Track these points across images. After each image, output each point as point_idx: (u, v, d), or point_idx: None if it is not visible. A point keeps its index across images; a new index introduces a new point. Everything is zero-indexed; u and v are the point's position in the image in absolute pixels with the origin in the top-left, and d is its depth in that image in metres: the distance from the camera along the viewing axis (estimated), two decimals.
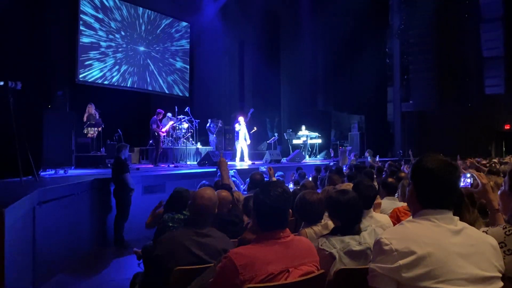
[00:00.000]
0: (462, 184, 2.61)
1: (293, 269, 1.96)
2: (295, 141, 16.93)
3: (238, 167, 10.68)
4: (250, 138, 13.23)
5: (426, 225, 1.63)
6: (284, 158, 14.70)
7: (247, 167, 11.25)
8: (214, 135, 14.47)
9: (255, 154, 15.80)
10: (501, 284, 1.62)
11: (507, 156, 15.37)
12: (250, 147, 16.15)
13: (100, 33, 13.34)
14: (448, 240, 1.58)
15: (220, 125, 14.61)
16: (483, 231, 1.91)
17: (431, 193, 1.67)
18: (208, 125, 14.39)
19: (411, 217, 1.77)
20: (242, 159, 12.87)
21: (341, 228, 2.51)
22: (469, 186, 2.59)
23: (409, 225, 1.66)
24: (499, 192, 2.22)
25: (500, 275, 1.62)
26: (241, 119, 12.77)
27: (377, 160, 13.83)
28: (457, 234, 1.61)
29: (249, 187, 5.26)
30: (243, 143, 12.80)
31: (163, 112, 11.54)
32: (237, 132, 12.72)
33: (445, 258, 1.53)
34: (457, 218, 1.68)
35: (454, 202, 1.71)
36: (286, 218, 2.05)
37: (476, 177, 2.57)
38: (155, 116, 11.03)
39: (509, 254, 1.81)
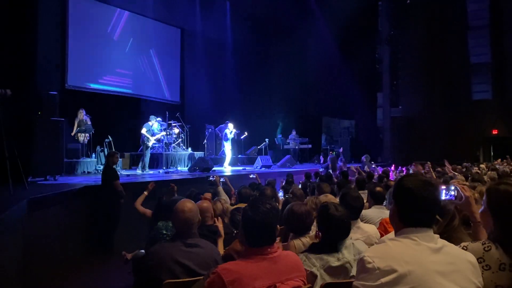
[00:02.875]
0: (445, 197, 2.67)
1: (280, 284, 2.00)
2: (285, 146, 17.01)
3: (228, 173, 10.73)
4: (241, 143, 13.37)
5: (407, 243, 1.69)
6: (275, 164, 14.76)
7: (230, 173, 11.30)
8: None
9: (245, 159, 15.86)
10: None
11: (496, 160, 15.57)
12: (241, 152, 16.23)
13: (91, 38, 13.31)
14: (428, 258, 1.64)
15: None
16: (463, 246, 1.97)
17: (412, 212, 1.72)
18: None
19: (393, 234, 1.82)
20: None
21: (321, 246, 2.54)
22: (453, 199, 2.65)
23: (391, 243, 1.72)
24: (479, 210, 2.27)
25: None
26: (230, 125, 12.85)
27: (373, 165, 13.91)
28: (437, 252, 1.67)
29: (238, 200, 5.29)
30: (229, 148, 12.91)
31: (155, 118, 11.52)
32: (227, 137, 12.80)
33: (425, 276, 1.59)
34: (437, 236, 1.74)
35: (434, 220, 1.77)
36: (274, 234, 2.10)
37: (459, 189, 2.63)
38: (148, 122, 11.07)
39: (487, 269, 1.86)
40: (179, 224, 2.81)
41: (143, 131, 10.89)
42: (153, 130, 11.22)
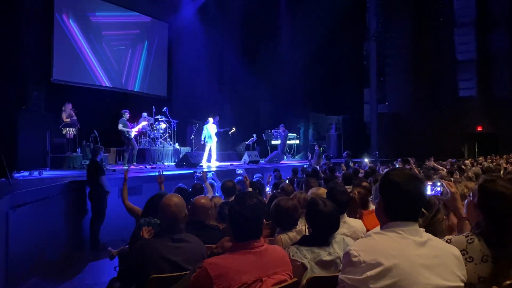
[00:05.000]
0: (432, 192, 2.71)
1: (266, 278, 2.01)
2: (273, 142, 17.02)
3: (213, 169, 10.70)
4: (229, 138, 13.31)
5: (392, 237, 1.70)
6: (262, 159, 14.77)
7: (214, 169, 11.28)
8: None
9: (233, 154, 15.84)
10: None
11: (480, 157, 15.79)
12: (229, 147, 16.21)
13: (77, 31, 13.15)
14: (413, 252, 1.66)
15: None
16: (447, 239, 2.00)
17: (397, 206, 1.74)
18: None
19: (379, 228, 1.84)
20: (209, 160, 12.88)
21: (311, 238, 2.56)
22: (439, 195, 2.69)
23: (376, 237, 1.73)
24: (466, 201, 2.31)
25: (462, 284, 1.70)
26: (210, 120, 12.81)
27: (365, 161, 14.02)
28: (422, 246, 1.69)
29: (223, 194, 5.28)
30: (213, 144, 12.86)
31: (128, 111, 11.42)
32: (209, 132, 12.74)
33: (410, 270, 1.60)
34: (422, 230, 1.75)
35: (420, 214, 1.79)
36: (260, 228, 2.10)
37: (445, 185, 2.67)
38: (122, 118, 11.00)
39: (470, 261, 1.90)
40: (165, 219, 2.80)
41: (120, 127, 10.82)
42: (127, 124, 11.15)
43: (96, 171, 6.92)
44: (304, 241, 2.55)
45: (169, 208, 2.76)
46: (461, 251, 1.83)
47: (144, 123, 12.21)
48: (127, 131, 10.82)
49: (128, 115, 11.27)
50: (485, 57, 21.92)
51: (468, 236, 1.98)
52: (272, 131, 16.99)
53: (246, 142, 16.43)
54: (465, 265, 1.81)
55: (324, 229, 2.54)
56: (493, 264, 1.89)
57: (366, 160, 15.09)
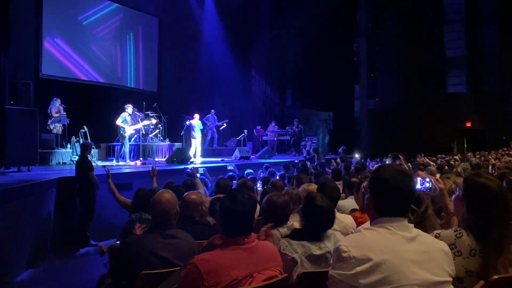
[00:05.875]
0: (420, 187, 2.74)
1: (257, 274, 2.01)
2: (264, 138, 17.02)
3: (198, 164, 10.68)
4: (220, 134, 13.26)
5: (382, 232, 1.71)
6: (253, 155, 14.77)
7: (200, 164, 11.25)
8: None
9: (224, 150, 15.81)
10: None
11: (468, 153, 15.96)
12: (220, 143, 16.18)
13: (66, 25, 13.00)
14: (402, 247, 1.67)
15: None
16: (436, 234, 2.03)
17: (387, 201, 1.75)
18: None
19: (368, 224, 1.85)
20: (194, 155, 12.85)
21: (303, 233, 2.57)
22: (428, 190, 2.72)
23: (366, 232, 1.74)
24: (453, 196, 2.33)
25: (451, 279, 1.72)
26: (196, 116, 12.76)
27: (356, 157, 14.11)
28: (411, 241, 1.70)
29: (216, 192, 5.28)
30: (197, 140, 12.81)
31: (132, 106, 11.37)
32: (193, 129, 12.65)
33: (399, 265, 1.61)
34: (411, 225, 1.77)
35: (409, 210, 1.81)
36: (251, 224, 2.10)
37: (433, 181, 2.70)
38: (125, 112, 10.91)
39: (458, 255, 1.93)
40: (156, 215, 2.80)
41: (118, 121, 10.73)
42: (127, 120, 11.06)
43: (85, 167, 6.88)
44: (295, 235, 2.56)
45: (160, 204, 2.76)
46: (449, 245, 1.85)
47: (146, 122, 12.11)
48: (123, 128, 10.71)
49: (132, 110, 11.20)
50: (474, 54, 22.13)
51: (457, 230, 2.01)
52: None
53: (237, 138, 16.41)
54: (454, 259, 1.82)
55: (320, 224, 2.55)
56: (481, 258, 1.92)
57: (357, 155, 15.17)
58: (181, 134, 13.87)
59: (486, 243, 1.94)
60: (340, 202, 4.09)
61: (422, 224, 2.33)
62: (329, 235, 2.56)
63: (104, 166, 5.62)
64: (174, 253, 2.67)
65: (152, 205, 2.80)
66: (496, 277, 1.86)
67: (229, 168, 8.62)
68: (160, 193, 2.86)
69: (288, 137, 17.59)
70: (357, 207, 4.01)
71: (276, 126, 17.06)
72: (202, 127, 12.90)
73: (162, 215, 2.76)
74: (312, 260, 2.37)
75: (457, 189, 2.27)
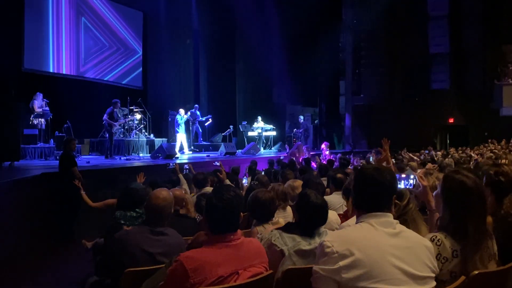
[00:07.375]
0: (405, 185, 2.79)
1: (242, 271, 2.02)
2: (250, 133, 17.02)
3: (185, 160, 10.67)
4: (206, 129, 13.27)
5: (366, 228, 1.74)
6: (239, 151, 14.77)
7: (186, 160, 11.24)
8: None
9: (210, 146, 15.78)
10: (434, 283, 1.75)
11: (451, 148, 16.20)
12: (206, 138, 16.14)
13: (49, 19, 12.80)
14: (385, 242, 1.70)
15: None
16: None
17: (371, 198, 1.79)
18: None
19: (354, 220, 1.88)
20: (182, 150, 12.84)
21: (297, 227, 2.59)
22: (412, 187, 2.77)
23: (350, 228, 1.78)
24: (434, 193, 2.37)
25: (433, 275, 1.75)
26: (181, 111, 12.76)
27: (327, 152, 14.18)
28: (394, 237, 1.73)
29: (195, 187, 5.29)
30: (181, 135, 12.83)
31: (119, 101, 11.28)
32: (179, 124, 12.68)
33: (380, 260, 1.64)
34: (396, 221, 1.80)
35: (391, 205, 1.84)
36: (237, 221, 2.10)
37: (417, 179, 2.75)
38: (111, 107, 10.80)
39: (445, 261, 1.94)
40: (150, 211, 2.81)
41: (105, 117, 10.63)
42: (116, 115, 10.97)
43: (68, 163, 6.79)
44: (288, 228, 2.58)
45: (156, 200, 2.77)
46: (436, 256, 1.87)
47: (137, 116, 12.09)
48: (110, 124, 10.61)
49: (119, 105, 11.12)
50: (457, 51, 22.40)
51: (434, 240, 1.98)
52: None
53: (223, 134, 16.38)
54: (443, 266, 1.89)
55: (314, 221, 2.58)
56: (461, 257, 1.95)
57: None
58: (176, 130, 13.68)
59: (464, 240, 1.96)
60: (325, 198, 4.11)
61: (403, 218, 2.37)
62: (321, 232, 2.58)
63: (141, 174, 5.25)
64: (162, 249, 2.67)
65: (147, 200, 2.83)
66: (476, 272, 1.89)
67: (215, 164, 8.57)
68: (159, 190, 2.89)
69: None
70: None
71: (262, 122, 16.92)
72: (185, 121, 12.92)
73: (156, 211, 2.77)
74: (300, 255, 2.39)
75: (438, 186, 2.31)
